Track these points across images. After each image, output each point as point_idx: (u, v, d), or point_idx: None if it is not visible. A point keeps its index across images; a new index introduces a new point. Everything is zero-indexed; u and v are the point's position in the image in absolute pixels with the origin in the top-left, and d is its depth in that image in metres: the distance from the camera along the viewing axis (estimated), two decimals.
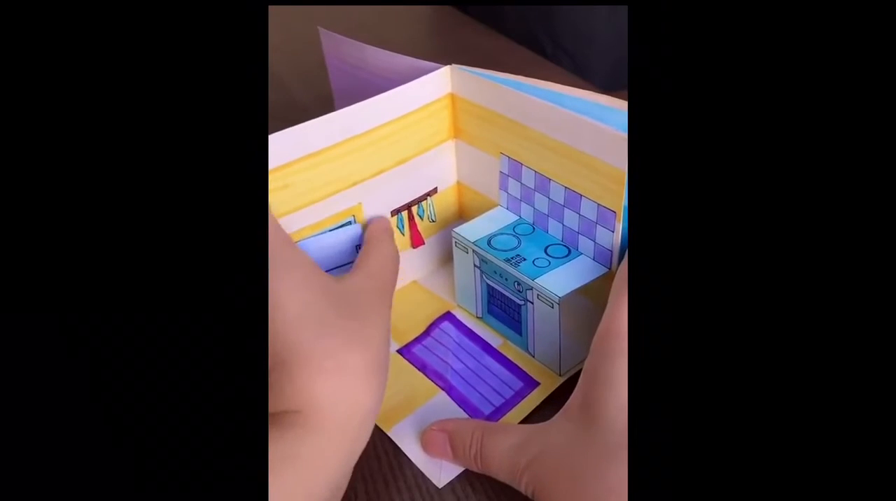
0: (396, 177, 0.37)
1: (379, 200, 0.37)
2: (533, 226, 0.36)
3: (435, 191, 0.40)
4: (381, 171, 0.36)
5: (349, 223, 0.36)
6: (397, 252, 0.33)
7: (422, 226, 0.40)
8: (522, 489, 0.27)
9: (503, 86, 0.34)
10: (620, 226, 0.31)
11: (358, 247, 0.36)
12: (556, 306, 0.31)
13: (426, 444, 0.31)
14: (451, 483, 0.30)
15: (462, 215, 0.41)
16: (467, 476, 0.30)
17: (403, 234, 0.39)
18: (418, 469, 0.31)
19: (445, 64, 0.37)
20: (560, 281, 0.32)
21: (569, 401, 0.28)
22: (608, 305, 0.29)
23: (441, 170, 0.39)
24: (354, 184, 0.35)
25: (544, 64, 0.68)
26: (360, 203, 0.36)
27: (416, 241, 0.40)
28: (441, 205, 0.40)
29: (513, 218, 0.36)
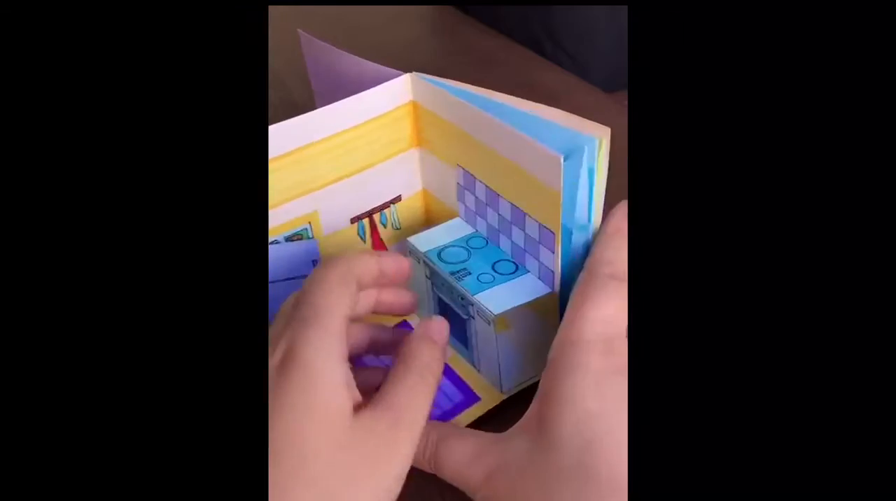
0: (356, 184, 0.37)
1: (338, 208, 0.37)
2: (486, 239, 0.35)
3: (399, 198, 0.40)
4: (340, 179, 0.36)
5: (305, 230, 0.36)
6: (436, 370, 0.28)
7: (385, 233, 0.40)
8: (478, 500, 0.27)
9: (457, 98, 0.34)
10: (559, 248, 0.30)
11: (315, 263, 0.36)
12: (491, 323, 0.31)
13: None
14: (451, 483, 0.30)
15: (428, 223, 0.41)
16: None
17: (365, 242, 0.39)
18: (418, 470, 0.31)
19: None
20: (500, 298, 0.31)
21: (526, 414, 0.27)
22: (566, 314, 0.27)
23: (405, 177, 0.39)
24: (310, 191, 0.35)
25: (544, 64, 0.67)
26: (316, 211, 0.36)
27: (378, 248, 0.40)
28: (406, 212, 0.40)
29: (468, 230, 0.36)
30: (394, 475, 0.25)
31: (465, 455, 0.27)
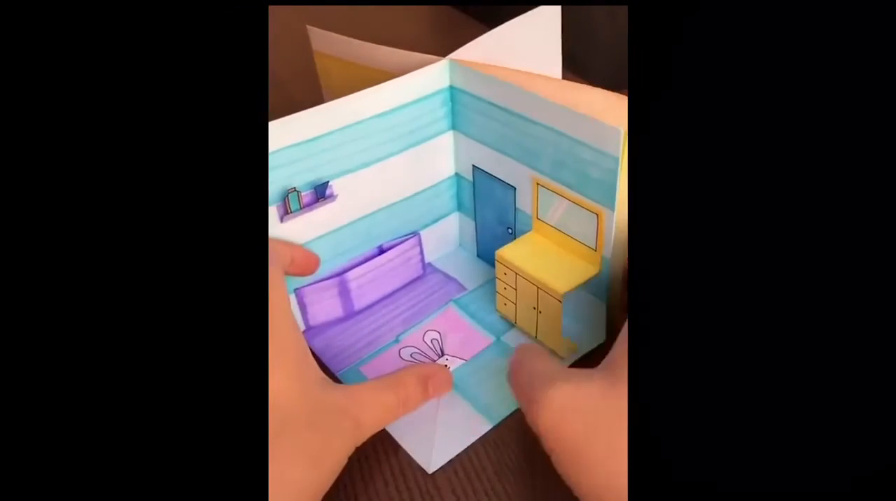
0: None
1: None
2: None
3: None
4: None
5: None
6: (408, 403, 0.32)
7: None
8: (538, 424, 0.26)
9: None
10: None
11: None
12: None
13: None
14: (449, 480, 0.31)
15: None
16: (467, 476, 0.31)
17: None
18: (418, 471, 0.31)
19: None
20: None
21: (603, 361, 0.27)
22: None
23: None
24: None
25: None
26: None
27: None
28: None
29: None
30: (345, 451, 0.29)
31: (541, 375, 0.27)
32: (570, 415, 0.25)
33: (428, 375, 0.33)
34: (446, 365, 0.37)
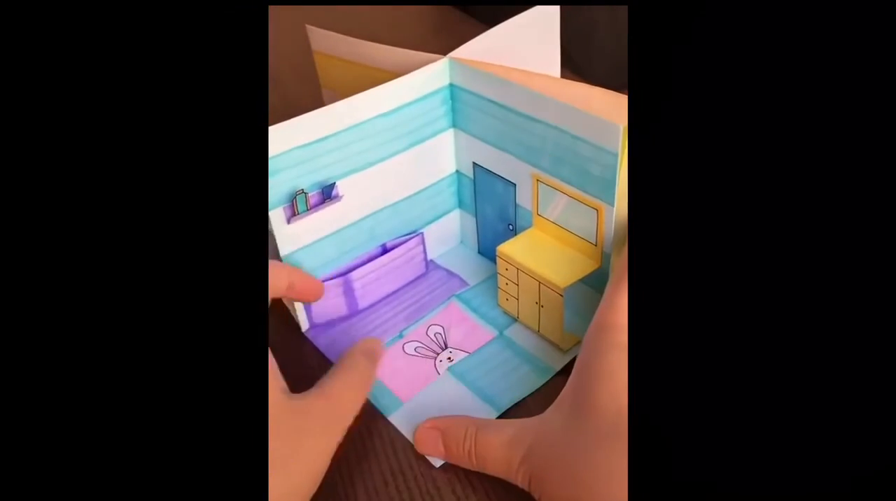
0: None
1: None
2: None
3: None
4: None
5: None
6: (369, 379, 0.33)
7: None
8: (519, 482, 0.28)
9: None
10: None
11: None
12: None
13: (419, 443, 0.32)
14: (449, 480, 0.31)
15: None
16: (467, 476, 0.31)
17: None
18: (418, 470, 0.32)
19: None
20: None
21: (560, 395, 0.29)
22: (602, 300, 0.29)
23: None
24: None
25: None
26: None
27: None
28: None
29: None
30: (326, 450, 0.29)
31: (503, 441, 0.29)
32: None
33: (367, 348, 0.33)
34: (450, 358, 0.37)
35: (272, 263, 0.35)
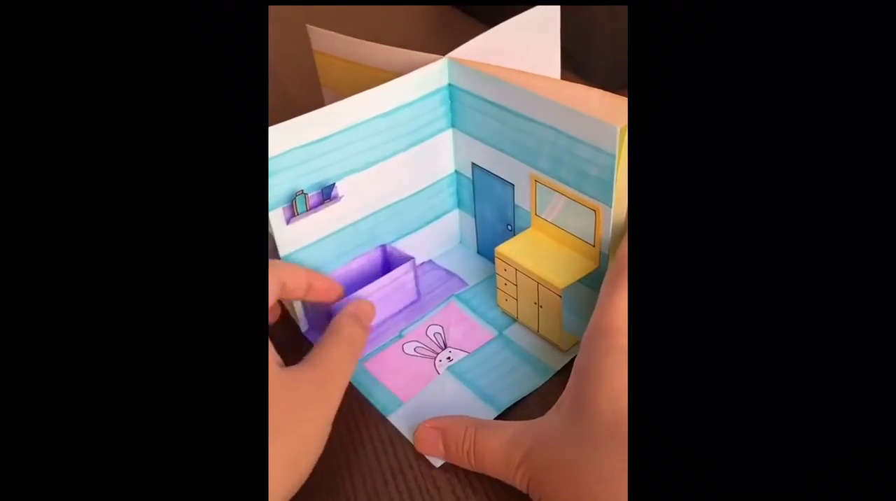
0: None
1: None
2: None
3: None
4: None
5: None
6: (359, 342, 0.33)
7: None
8: (517, 483, 0.28)
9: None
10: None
11: None
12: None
13: (419, 442, 0.32)
14: (449, 480, 0.31)
15: None
16: (467, 476, 0.31)
17: None
18: (418, 470, 0.32)
19: None
20: None
21: (560, 398, 0.29)
22: (598, 302, 0.30)
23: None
24: None
25: None
26: None
27: None
28: None
29: None
30: (323, 416, 0.29)
31: (503, 442, 0.29)
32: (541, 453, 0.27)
33: (354, 311, 0.34)
34: (449, 358, 0.37)
35: (291, 266, 0.35)
